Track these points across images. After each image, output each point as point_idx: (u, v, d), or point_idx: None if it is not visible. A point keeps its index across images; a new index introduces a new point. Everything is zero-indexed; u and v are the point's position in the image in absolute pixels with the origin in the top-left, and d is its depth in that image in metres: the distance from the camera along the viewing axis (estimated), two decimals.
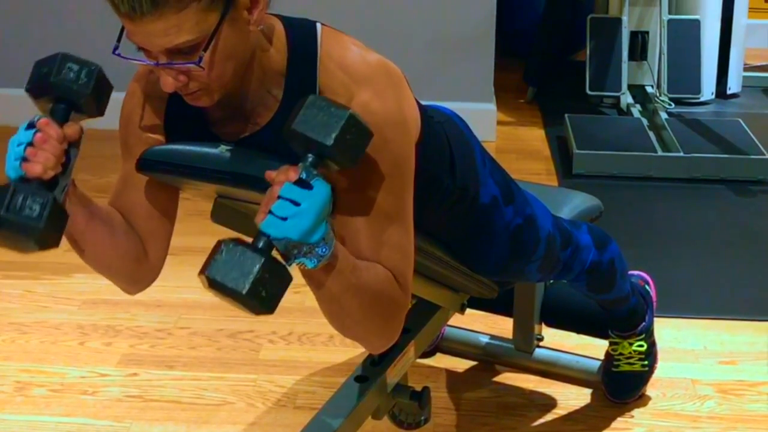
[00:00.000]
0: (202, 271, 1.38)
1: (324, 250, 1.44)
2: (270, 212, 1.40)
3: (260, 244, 1.40)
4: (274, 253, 1.41)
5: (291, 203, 1.39)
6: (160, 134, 1.70)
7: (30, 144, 1.48)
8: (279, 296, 1.40)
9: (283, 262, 1.42)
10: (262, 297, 1.38)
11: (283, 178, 1.41)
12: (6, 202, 1.42)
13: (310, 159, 1.42)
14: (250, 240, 1.42)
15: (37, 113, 1.55)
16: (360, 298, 1.57)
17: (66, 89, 1.51)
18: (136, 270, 1.76)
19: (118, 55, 1.55)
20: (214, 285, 1.37)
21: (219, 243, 1.39)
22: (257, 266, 1.37)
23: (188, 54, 1.50)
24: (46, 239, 1.45)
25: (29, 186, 1.46)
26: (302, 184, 1.40)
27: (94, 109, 1.53)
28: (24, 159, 1.48)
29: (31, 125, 1.50)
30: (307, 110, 1.42)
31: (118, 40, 1.54)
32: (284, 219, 1.39)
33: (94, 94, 1.51)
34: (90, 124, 4.94)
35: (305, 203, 1.39)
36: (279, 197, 1.40)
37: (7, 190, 1.43)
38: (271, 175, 1.43)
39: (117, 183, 1.76)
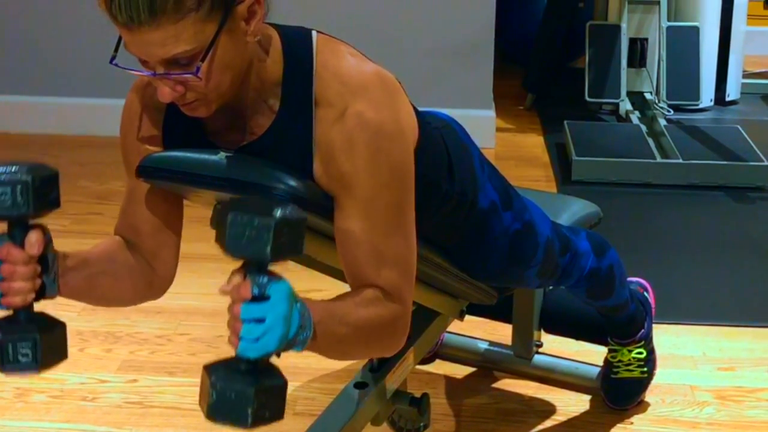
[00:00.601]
0: (201, 407, 1.38)
1: (305, 334, 1.43)
2: (241, 338, 1.36)
3: (244, 367, 1.37)
4: None
5: (256, 322, 1.35)
6: (159, 146, 1.70)
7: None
8: (282, 406, 1.42)
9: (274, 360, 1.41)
10: (267, 417, 1.39)
11: (236, 297, 1.36)
12: None
13: (255, 271, 1.37)
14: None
15: None
16: (357, 339, 1.59)
17: (9, 217, 1.46)
18: (149, 291, 1.79)
19: (116, 65, 1.55)
20: (218, 423, 1.37)
21: (205, 377, 1.37)
22: (251, 397, 1.36)
23: (186, 64, 1.50)
24: (51, 364, 1.50)
25: (16, 322, 1.48)
26: (259, 299, 1.36)
27: (48, 210, 1.49)
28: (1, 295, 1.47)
29: None
30: (232, 231, 1.34)
31: (116, 50, 1.54)
32: (257, 339, 1.36)
33: (38, 205, 1.46)
34: (90, 130, 4.92)
35: (270, 317, 1.35)
36: (243, 320, 1.35)
37: None
38: (225, 290, 1.38)
39: (123, 200, 1.78)
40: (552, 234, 2.14)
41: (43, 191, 1.46)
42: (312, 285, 3.11)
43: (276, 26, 1.65)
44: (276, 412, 1.40)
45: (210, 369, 1.37)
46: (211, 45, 1.49)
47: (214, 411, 1.35)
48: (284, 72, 1.61)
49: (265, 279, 1.36)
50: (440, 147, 1.83)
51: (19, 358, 1.45)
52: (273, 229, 1.32)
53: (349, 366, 2.73)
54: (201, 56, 1.50)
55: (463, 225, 1.95)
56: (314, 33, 1.65)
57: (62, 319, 3.16)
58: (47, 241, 1.52)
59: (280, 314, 1.36)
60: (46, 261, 1.53)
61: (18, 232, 1.48)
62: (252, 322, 1.35)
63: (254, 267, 1.36)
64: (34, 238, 1.48)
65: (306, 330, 1.43)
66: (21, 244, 1.47)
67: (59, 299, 3.17)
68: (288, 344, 1.40)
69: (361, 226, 1.61)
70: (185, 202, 1.81)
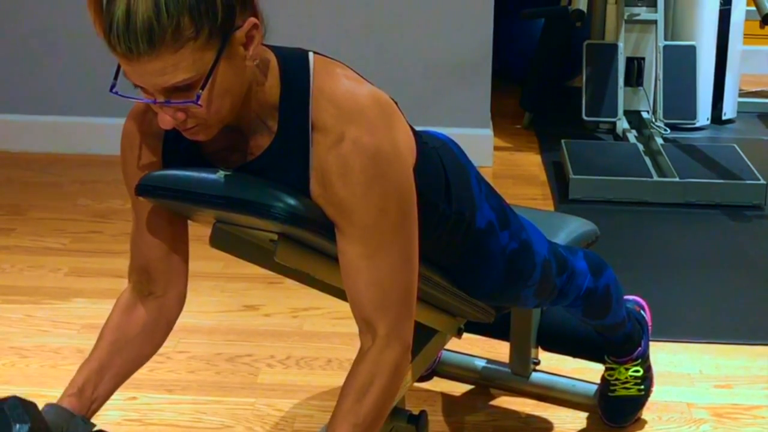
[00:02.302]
0: None
1: None
2: None
3: None
4: None
5: None
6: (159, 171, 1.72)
7: None
8: None
9: None
10: None
11: None
12: None
13: None
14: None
15: None
16: (375, 423, 1.65)
17: None
18: (170, 327, 1.87)
19: (116, 93, 1.56)
20: None
21: None
22: None
23: (186, 92, 1.51)
24: None
25: None
26: None
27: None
28: None
29: None
30: None
31: (115, 78, 1.56)
32: None
33: None
34: (90, 149, 4.93)
35: None
36: None
37: None
38: None
39: (131, 232, 1.81)
40: (549, 254, 2.15)
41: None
42: (311, 303, 3.14)
43: (273, 48, 1.66)
44: None
45: None
46: (211, 72, 1.51)
47: None
48: (281, 96, 1.62)
49: None
50: (438, 167, 1.84)
51: None
52: None
53: None
54: (201, 84, 1.51)
55: (461, 244, 1.96)
56: (311, 55, 1.66)
57: (61, 336, 3.19)
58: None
59: None
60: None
61: None
62: None
63: None
64: None
65: None
66: None
67: (57, 316, 3.19)
68: None
69: (362, 252, 1.62)
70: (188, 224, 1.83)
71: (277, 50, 1.66)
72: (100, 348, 1.79)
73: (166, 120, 1.55)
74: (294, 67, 1.64)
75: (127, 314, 1.81)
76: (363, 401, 1.62)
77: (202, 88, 1.51)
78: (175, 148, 1.70)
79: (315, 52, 1.67)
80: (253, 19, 1.55)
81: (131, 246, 1.81)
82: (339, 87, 1.62)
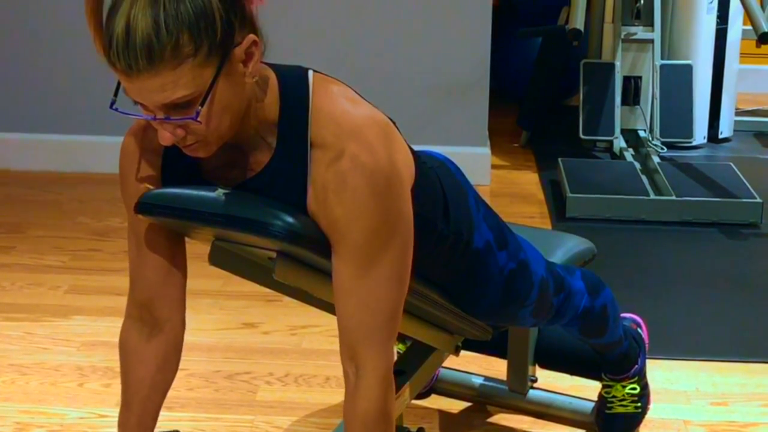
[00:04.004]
0: None
1: None
2: None
3: None
4: None
5: None
6: (158, 188, 1.73)
7: None
8: None
9: None
10: None
11: None
12: None
13: None
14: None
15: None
16: None
17: None
18: (180, 344, 1.88)
19: (116, 110, 1.58)
20: None
21: None
22: None
23: (185, 108, 1.52)
24: None
25: None
26: None
27: None
28: None
29: None
30: None
31: (115, 95, 1.57)
32: None
33: None
34: (89, 167, 4.96)
35: None
36: None
37: None
38: None
39: (131, 256, 1.80)
40: (546, 274, 2.15)
41: None
42: (310, 321, 3.15)
43: (273, 66, 1.67)
44: None
45: None
46: (210, 89, 1.52)
47: None
48: (281, 113, 1.63)
49: None
50: (436, 187, 1.85)
51: None
52: None
53: None
54: (200, 100, 1.52)
55: (459, 264, 1.96)
56: (310, 73, 1.67)
57: (61, 353, 3.19)
58: None
59: None
60: None
61: None
62: None
63: None
64: None
65: None
66: None
67: (56, 334, 3.20)
68: None
69: (353, 272, 1.63)
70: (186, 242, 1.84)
71: (277, 68, 1.67)
72: (133, 405, 1.83)
73: (165, 136, 1.56)
74: (293, 84, 1.65)
75: (141, 362, 1.82)
76: None
77: (202, 105, 1.52)
78: (175, 164, 1.71)
79: (314, 71, 1.69)
80: (252, 36, 1.56)
81: (131, 274, 1.80)
82: (337, 106, 1.63)
